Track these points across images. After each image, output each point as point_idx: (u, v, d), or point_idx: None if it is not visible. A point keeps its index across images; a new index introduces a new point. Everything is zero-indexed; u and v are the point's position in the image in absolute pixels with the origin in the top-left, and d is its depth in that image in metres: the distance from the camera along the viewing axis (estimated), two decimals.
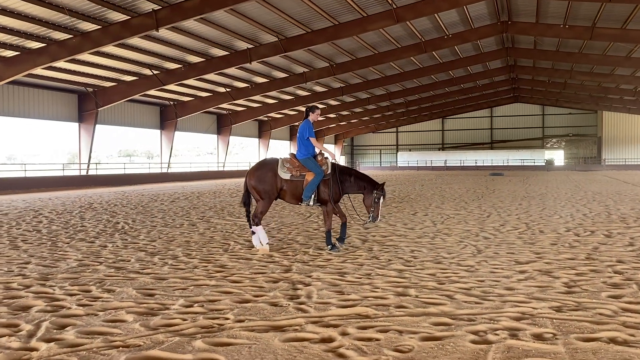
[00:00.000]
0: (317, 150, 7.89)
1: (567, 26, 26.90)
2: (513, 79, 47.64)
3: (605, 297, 5.02)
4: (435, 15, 25.28)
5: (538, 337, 3.89)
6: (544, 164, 60.45)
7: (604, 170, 53.74)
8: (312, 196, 7.68)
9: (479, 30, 29.14)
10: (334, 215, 8.00)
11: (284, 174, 7.70)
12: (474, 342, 3.81)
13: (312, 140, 7.76)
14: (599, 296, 5.04)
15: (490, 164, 61.51)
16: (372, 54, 31.40)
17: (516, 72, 43.38)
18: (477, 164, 62.24)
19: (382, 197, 7.66)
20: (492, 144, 66.41)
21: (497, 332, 4.01)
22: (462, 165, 62.85)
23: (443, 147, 68.29)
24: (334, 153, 7.95)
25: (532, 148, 63.35)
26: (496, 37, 32.12)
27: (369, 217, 7.73)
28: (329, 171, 7.73)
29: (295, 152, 7.88)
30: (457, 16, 27.11)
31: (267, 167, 7.83)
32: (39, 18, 19.65)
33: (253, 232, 7.82)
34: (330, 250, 7.63)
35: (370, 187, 7.71)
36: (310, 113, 7.95)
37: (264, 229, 7.89)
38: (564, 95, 51.44)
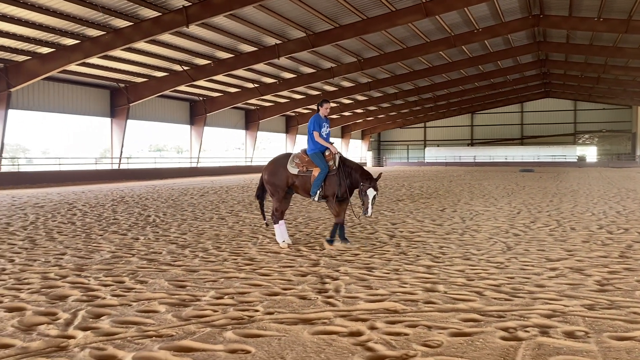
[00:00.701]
0: (327, 145, 7.81)
1: (601, 19, 26.23)
2: (544, 73, 46.71)
3: (639, 295, 4.92)
4: (465, 9, 24.96)
5: (570, 335, 3.84)
6: (575, 160, 59.16)
7: (638, 167, 52.31)
8: (318, 192, 7.57)
9: (509, 24, 28.65)
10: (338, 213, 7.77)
11: (293, 169, 7.73)
12: (503, 338, 3.79)
13: (315, 134, 7.73)
14: (633, 295, 4.94)
15: (520, 160, 60.44)
16: (401, 49, 31.17)
17: (547, 67, 42.53)
18: (507, 160, 61.23)
19: (370, 189, 7.36)
20: (522, 140, 65.27)
21: (528, 329, 3.98)
22: (491, 161, 61.94)
23: (472, 142, 67.41)
24: (336, 148, 7.81)
25: (563, 144, 62.01)
26: (527, 31, 31.51)
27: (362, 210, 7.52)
28: (335, 167, 7.61)
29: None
30: (487, 10, 26.70)
31: (279, 162, 7.91)
32: (73, 15, 20.09)
33: (267, 224, 8.20)
34: (328, 241, 7.65)
35: (367, 181, 7.48)
36: (320, 107, 7.93)
37: (284, 225, 7.87)
38: (597, 90, 50.20)
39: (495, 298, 4.85)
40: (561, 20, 27.71)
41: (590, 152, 65.72)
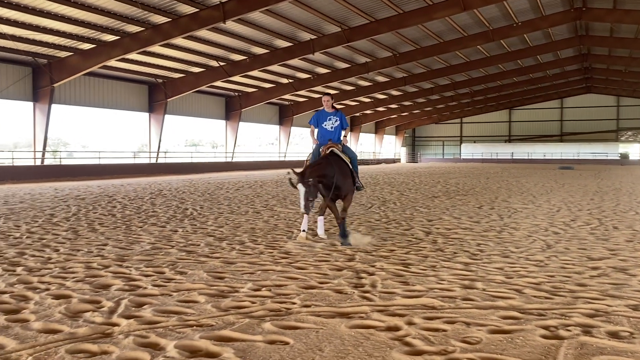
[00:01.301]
0: (313, 141, 7.87)
1: None
2: (586, 68, 45.36)
3: None
4: (505, 2, 24.42)
5: (613, 335, 3.75)
6: (617, 158, 57.36)
7: None
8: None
9: (550, 18, 27.92)
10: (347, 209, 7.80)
11: None
12: (544, 337, 3.72)
13: (310, 129, 7.81)
14: None
15: (559, 158, 58.98)
16: (437, 43, 30.77)
17: (589, 61, 41.31)
18: (546, 157, 59.86)
19: (299, 184, 6.98)
20: (561, 137, 63.57)
21: (569, 328, 3.90)
22: (529, 158, 60.66)
23: (510, 139, 66.01)
24: (331, 143, 7.73)
25: (605, 141, 60.16)
26: (569, 25, 30.65)
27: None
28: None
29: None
30: (527, 3, 26.09)
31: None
32: (113, 12, 20.55)
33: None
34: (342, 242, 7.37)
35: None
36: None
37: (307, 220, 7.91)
38: None
39: (535, 296, 4.77)
40: (605, 12, 26.84)
41: (634, 150, 63.55)
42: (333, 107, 7.95)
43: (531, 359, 3.33)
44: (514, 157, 61.32)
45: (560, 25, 29.04)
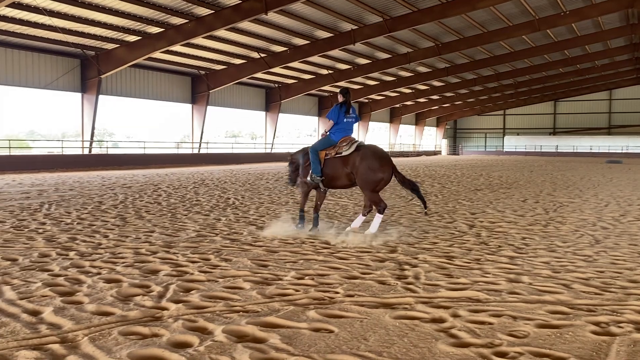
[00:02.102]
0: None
1: None
2: (637, 58, 43.54)
3: None
4: None
5: None
6: None
7: None
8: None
9: (600, 6, 26.88)
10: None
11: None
12: (595, 332, 3.63)
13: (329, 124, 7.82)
14: None
15: (606, 151, 57.01)
16: (481, 33, 30.10)
17: None
18: (592, 151, 57.94)
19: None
20: (609, 129, 61.33)
21: (621, 324, 3.79)
22: (575, 151, 58.86)
23: (554, 131, 64.15)
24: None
25: None
26: (620, 13, 29.45)
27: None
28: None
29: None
30: None
31: None
32: (159, 4, 20.94)
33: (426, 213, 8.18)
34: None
35: None
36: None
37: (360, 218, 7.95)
38: None
39: (584, 291, 4.65)
40: None
41: None
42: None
43: (581, 355, 3.25)
44: (558, 150, 59.63)
45: (611, 13, 27.90)
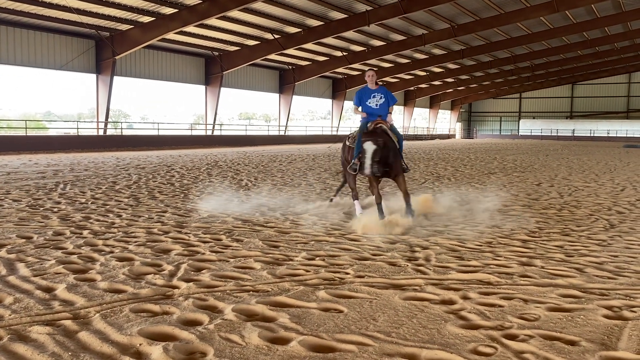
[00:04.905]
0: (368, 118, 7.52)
1: None
2: None
3: None
4: None
5: None
6: None
7: None
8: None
9: None
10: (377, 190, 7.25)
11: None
12: (607, 316, 3.59)
13: (354, 109, 7.66)
14: None
15: (624, 135, 56.13)
16: (498, 14, 29.57)
17: None
18: (610, 135, 57.09)
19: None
20: (628, 113, 60.25)
21: (634, 309, 3.74)
22: (592, 135, 58.03)
23: (571, 115, 63.22)
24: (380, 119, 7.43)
25: None
26: None
27: None
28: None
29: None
30: None
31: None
32: None
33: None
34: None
35: None
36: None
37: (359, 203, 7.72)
38: None
39: (597, 275, 4.60)
40: None
41: None
42: (376, 83, 7.60)
43: (592, 339, 3.22)
44: (575, 135, 58.83)
45: None
